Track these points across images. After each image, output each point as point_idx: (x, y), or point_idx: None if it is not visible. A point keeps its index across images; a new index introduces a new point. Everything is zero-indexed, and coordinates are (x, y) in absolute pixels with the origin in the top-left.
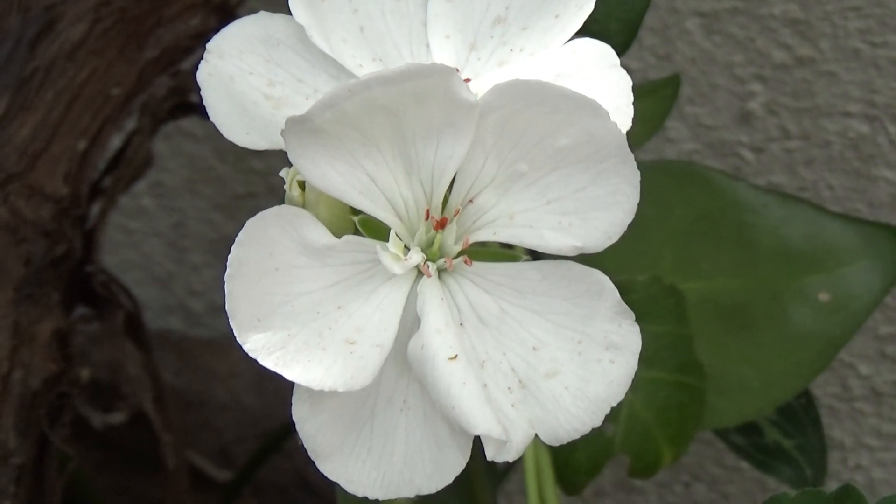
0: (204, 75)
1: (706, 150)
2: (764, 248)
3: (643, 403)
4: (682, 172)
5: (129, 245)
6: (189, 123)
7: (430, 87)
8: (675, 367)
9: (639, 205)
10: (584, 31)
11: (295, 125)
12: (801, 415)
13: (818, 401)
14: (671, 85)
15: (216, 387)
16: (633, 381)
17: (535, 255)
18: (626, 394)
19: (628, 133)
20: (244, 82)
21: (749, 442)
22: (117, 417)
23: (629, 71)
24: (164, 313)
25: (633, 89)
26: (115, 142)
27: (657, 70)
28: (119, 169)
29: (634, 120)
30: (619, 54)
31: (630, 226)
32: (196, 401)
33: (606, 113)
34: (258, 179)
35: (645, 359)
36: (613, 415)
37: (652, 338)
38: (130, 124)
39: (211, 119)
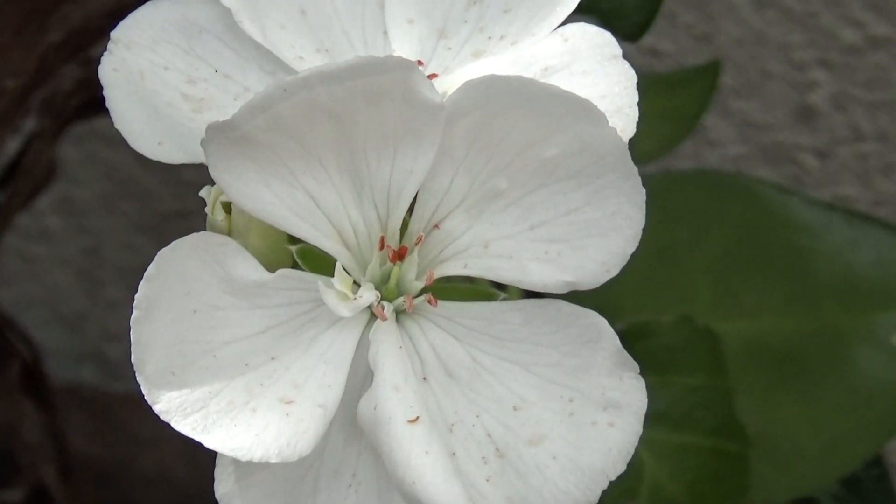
0: (108, 71)
1: (757, 154)
2: (824, 278)
3: (671, 475)
4: (720, 184)
5: (30, 276)
6: (104, 124)
7: (385, 85)
8: (711, 430)
9: (668, 226)
10: (593, 8)
11: (218, 133)
12: (870, 487)
13: (893, 469)
14: (710, 73)
15: (139, 455)
16: (660, 448)
17: (520, 293)
18: (650, 464)
19: (632, 142)
20: (158, 79)
21: None
22: (13, 495)
23: (658, 54)
24: (74, 363)
25: (664, 78)
26: (11, 147)
27: (694, 54)
28: (16, 181)
29: (664, 119)
30: (637, 36)
31: (654, 253)
32: (114, 472)
33: (604, 117)
34: (192, 194)
35: (673, 419)
36: (632, 490)
37: (682, 393)
38: (30, 125)
39: (116, 125)
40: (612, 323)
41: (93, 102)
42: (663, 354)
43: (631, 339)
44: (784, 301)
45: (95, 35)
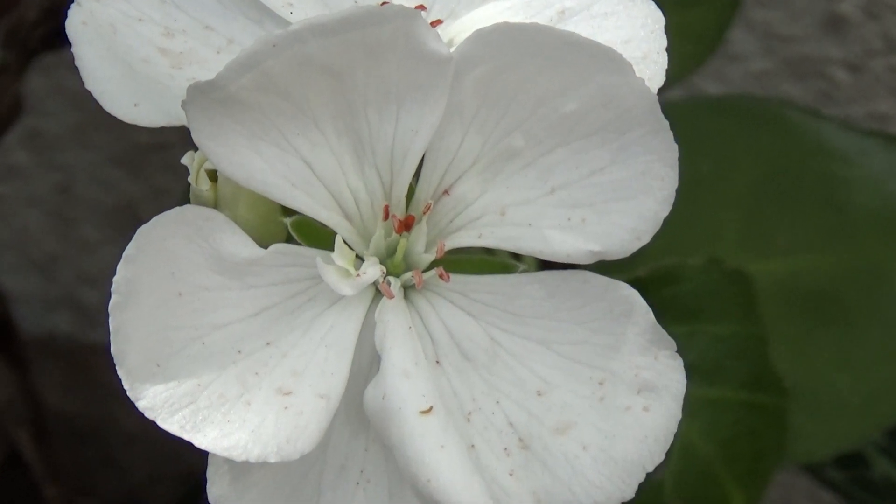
0: (76, 24)
1: (782, 69)
2: (862, 211)
3: (702, 433)
4: (747, 111)
5: None
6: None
7: (385, 36)
8: (745, 382)
9: (692, 159)
10: None
11: (200, 94)
12: None
13: None
14: None
15: (119, 410)
16: (690, 403)
17: (538, 265)
18: (679, 422)
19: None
20: (131, 32)
21: (850, 477)
22: None
23: None
24: (46, 310)
25: None
26: None
27: None
28: None
29: (684, 37)
30: None
31: (679, 188)
32: (93, 430)
33: (629, 66)
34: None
35: (703, 372)
36: None
37: (712, 342)
38: None
39: (86, 86)
40: (633, 268)
41: (59, 31)
42: (691, 301)
43: (655, 286)
44: (819, 237)
45: None
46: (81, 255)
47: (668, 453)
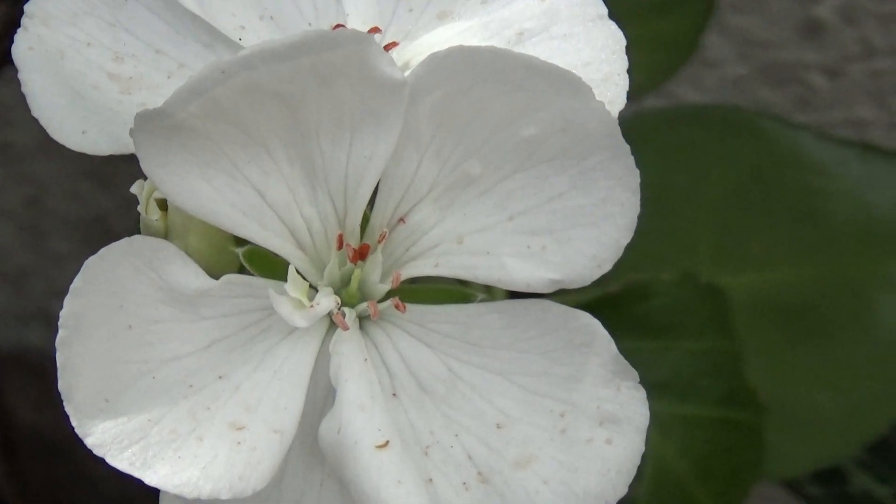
0: (22, 50)
1: (758, 75)
2: (840, 222)
3: (677, 451)
4: (721, 121)
5: None
6: None
7: (337, 62)
8: (720, 398)
9: (665, 170)
10: None
11: (148, 122)
12: None
13: None
14: None
15: None
16: (664, 421)
17: (507, 294)
18: (653, 440)
19: (630, 83)
20: (80, 58)
21: (829, 492)
22: None
23: None
24: (18, 324)
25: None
26: None
27: None
28: None
29: (659, 44)
30: None
31: (649, 200)
32: (65, 446)
33: (589, 89)
34: None
35: (677, 389)
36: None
37: (686, 358)
38: None
39: (33, 113)
40: (605, 284)
41: None
42: (664, 317)
43: (628, 302)
44: (796, 249)
45: None
46: (53, 268)
47: (641, 472)
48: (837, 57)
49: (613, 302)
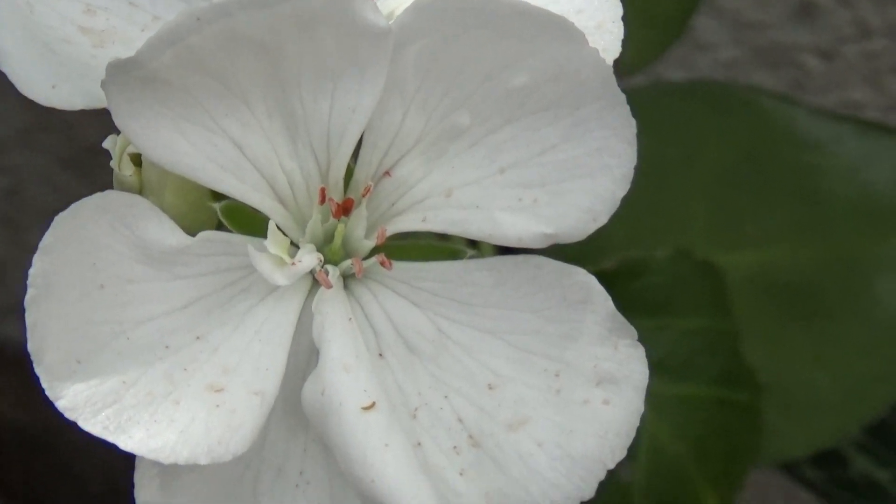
0: None
1: (752, 57)
2: (836, 200)
3: (673, 432)
4: (715, 96)
5: None
6: None
7: (318, 8)
8: (716, 378)
9: (657, 145)
10: None
11: (120, 72)
12: None
13: None
14: None
15: None
16: (659, 401)
17: (495, 252)
18: (648, 421)
19: (618, 61)
20: (49, 10)
21: (828, 476)
22: None
23: None
24: None
25: None
26: None
27: None
28: None
29: (647, 22)
30: None
31: (642, 175)
32: (47, 441)
33: (582, 36)
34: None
35: (672, 368)
36: (629, 451)
37: (681, 337)
38: None
39: (1, 67)
40: (599, 260)
41: None
42: (659, 294)
43: (622, 279)
44: (792, 227)
45: None
46: (31, 260)
47: (636, 454)
48: (832, 38)
49: (608, 279)
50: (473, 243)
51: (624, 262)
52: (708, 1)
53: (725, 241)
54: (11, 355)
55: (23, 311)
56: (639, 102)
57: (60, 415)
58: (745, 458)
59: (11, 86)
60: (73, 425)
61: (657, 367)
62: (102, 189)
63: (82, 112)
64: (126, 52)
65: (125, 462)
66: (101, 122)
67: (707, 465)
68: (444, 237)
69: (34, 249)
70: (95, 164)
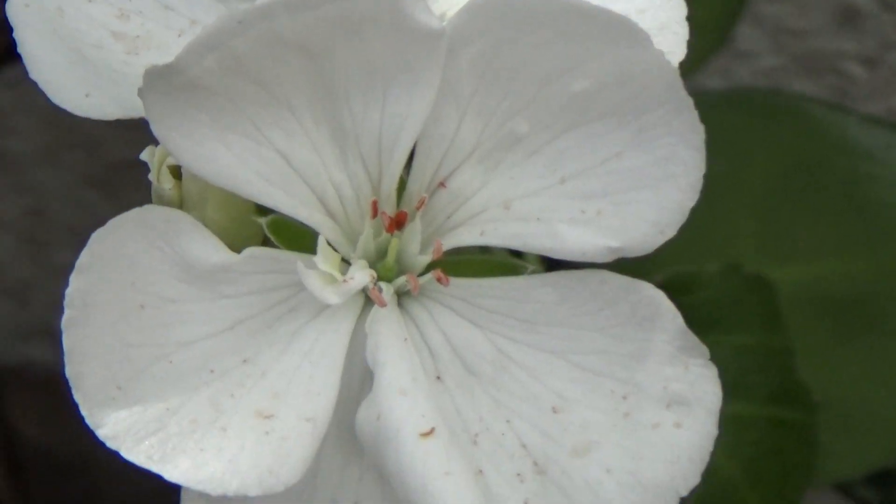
0: (17, 7)
1: (794, 66)
2: (890, 209)
3: (725, 452)
4: (761, 105)
5: None
6: None
7: (366, 9)
8: (770, 397)
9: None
10: None
11: (159, 80)
12: None
13: None
14: None
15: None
16: None
17: (548, 265)
18: None
19: (681, 63)
20: (81, 15)
21: (884, 496)
22: None
23: None
24: (20, 340)
25: None
26: None
27: None
28: None
29: (689, 31)
30: None
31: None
32: (74, 464)
33: (647, 37)
34: (147, 140)
35: (725, 386)
36: None
37: (733, 354)
38: None
39: (31, 75)
40: (646, 275)
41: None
42: (709, 310)
43: (671, 295)
44: (844, 239)
45: None
46: (56, 280)
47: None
48: (875, 45)
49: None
50: (516, 254)
51: (673, 276)
52: (749, 7)
53: (776, 255)
54: (36, 378)
55: (48, 331)
56: None
57: (91, 438)
58: (799, 479)
59: (34, 102)
60: (105, 449)
61: None
62: (128, 208)
63: (107, 128)
64: (161, 59)
65: (158, 486)
66: (126, 138)
67: (761, 486)
68: (485, 249)
69: (58, 269)
70: (121, 182)
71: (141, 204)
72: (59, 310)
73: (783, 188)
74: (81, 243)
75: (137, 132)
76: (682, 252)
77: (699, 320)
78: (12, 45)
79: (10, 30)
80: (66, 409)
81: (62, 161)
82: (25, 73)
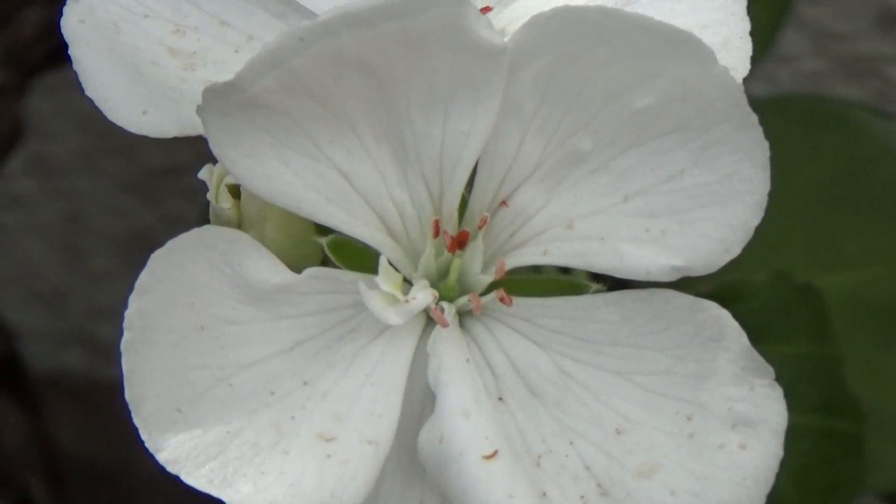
0: (72, 24)
1: (836, 69)
2: None
3: None
4: (806, 111)
5: (0, 249)
6: None
7: (429, 26)
8: (819, 406)
9: None
10: None
11: (218, 98)
12: None
13: None
14: None
15: (141, 451)
16: None
17: (612, 284)
18: None
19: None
20: (137, 31)
21: None
22: None
23: None
24: (57, 347)
25: None
26: None
27: None
28: None
29: None
30: None
31: None
32: (112, 473)
33: (711, 53)
34: (183, 146)
35: None
36: None
37: (782, 364)
38: None
39: (87, 92)
40: (694, 284)
41: (62, 48)
42: (757, 319)
43: (720, 304)
44: (891, 245)
45: None
46: (92, 287)
47: None
48: None
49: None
50: (563, 270)
51: (720, 285)
52: (791, 11)
53: (824, 262)
54: (74, 385)
55: (84, 339)
56: None
57: (127, 447)
58: (848, 490)
59: (72, 108)
60: (141, 457)
61: None
62: (165, 215)
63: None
64: (218, 75)
65: (195, 494)
66: (163, 144)
67: (809, 496)
68: (536, 268)
69: (95, 276)
70: (158, 188)
71: (175, 210)
72: (95, 317)
73: (830, 194)
74: (118, 250)
75: (175, 139)
76: (732, 260)
77: (748, 329)
78: (49, 53)
79: (50, 37)
80: (103, 417)
81: (99, 167)
82: (63, 79)
